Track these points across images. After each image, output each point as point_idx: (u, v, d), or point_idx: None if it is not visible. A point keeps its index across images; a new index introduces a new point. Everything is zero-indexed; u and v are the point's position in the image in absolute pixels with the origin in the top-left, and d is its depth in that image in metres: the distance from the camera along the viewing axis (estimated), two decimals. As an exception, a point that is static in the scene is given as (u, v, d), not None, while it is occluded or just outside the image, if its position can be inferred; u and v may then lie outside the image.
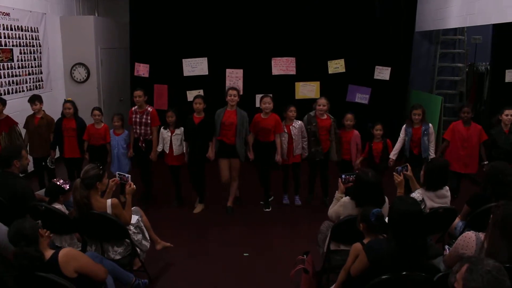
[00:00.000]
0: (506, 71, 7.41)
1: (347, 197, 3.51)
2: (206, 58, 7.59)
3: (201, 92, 7.30)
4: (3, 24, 6.27)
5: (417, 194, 3.60)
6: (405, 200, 2.74)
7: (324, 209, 4.20)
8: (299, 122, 5.55)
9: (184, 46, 7.57)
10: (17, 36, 6.63)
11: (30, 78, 6.98)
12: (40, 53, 7.25)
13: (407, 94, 8.00)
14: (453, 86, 8.89)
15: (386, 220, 2.88)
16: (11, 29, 6.48)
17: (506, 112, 5.31)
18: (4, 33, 6.30)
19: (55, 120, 5.72)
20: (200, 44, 7.57)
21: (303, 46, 7.56)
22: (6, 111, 5.57)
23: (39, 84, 7.24)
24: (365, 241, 2.86)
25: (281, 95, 7.39)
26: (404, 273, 2.54)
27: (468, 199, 3.70)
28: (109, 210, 3.50)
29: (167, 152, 5.58)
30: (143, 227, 3.94)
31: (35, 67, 7.14)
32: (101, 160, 5.19)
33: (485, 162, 5.51)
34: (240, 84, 7.52)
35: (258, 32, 7.48)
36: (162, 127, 5.57)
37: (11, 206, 3.63)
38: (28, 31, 6.90)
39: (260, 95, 5.68)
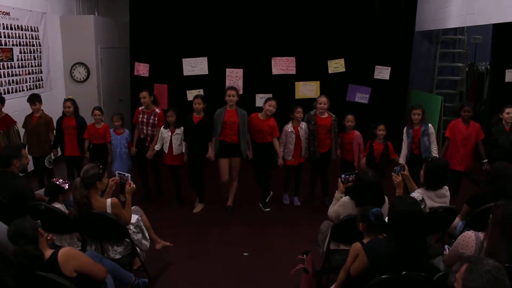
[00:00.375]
0: (506, 70, 7.42)
1: (347, 196, 3.51)
2: (206, 57, 7.59)
3: (201, 91, 7.29)
4: (3, 24, 6.27)
5: (417, 194, 3.59)
6: (405, 200, 2.74)
7: (324, 209, 4.20)
8: (304, 123, 5.53)
9: (184, 45, 7.57)
10: (17, 35, 6.63)
11: (30, 78, 6.98)
12: (40, 52, 7.25)
13: (407, 94, 8.00)
14: (453, 86, 8.89)
15: (386, 219, 2.88)
16: (11, 29, 6.47)
17: (508, 110, 5.31)
18: (4, 32, 6.30)
19: (56, 119, 5.73)
20: (200, 44, 7.57)
21: (303, 46, 7.56)
22: (6, 111, 5.57)
23: (39, 84, 7.24)
24: (365, 240, 2.86)
25: (281, 94, 7.38)
26: (404, 273, 2.54)
27: (468, 199, 3.70)
28: (109, 210, 3.49)
29: (167, 151, 5.58)
30: (143, 227, 3.94)
31: (35, 66, 7.14)
32: (101, 159, 5.20)
33: (485, 161, 5.53)
34: (240, 84, 7.52)
35: (258, 31, 7.48)
36: (163, 127, 5.58)
37: (11, 205, 3.62)
38: (28, 30, 6.89)
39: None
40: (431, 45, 8.86)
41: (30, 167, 5.77)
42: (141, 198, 5.78)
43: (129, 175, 3.97)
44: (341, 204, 3.51)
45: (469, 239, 2.64)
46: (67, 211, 3.78)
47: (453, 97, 8.85)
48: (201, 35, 7.54)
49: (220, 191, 5.91)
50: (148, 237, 3.97)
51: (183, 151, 5.52)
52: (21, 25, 6.70)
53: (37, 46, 7.15)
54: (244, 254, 4.53)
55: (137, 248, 3.74)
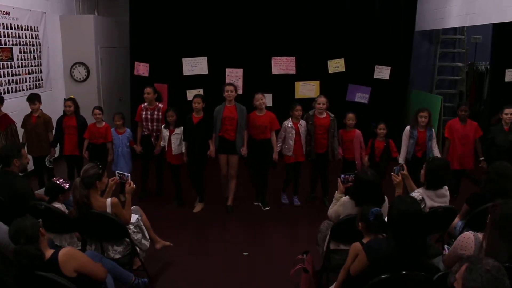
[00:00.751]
0: (506, 70, 7.42)
1: (347, 196, 3.51)
2: (206, 57, 7.58)
3: (200, 91, 7.29)
4: (3, 23, 6.27)
5: (417, 194, 3.59)
6: (405, 200, 2.74)
7: (324, 208, 4.20)
8: (303, 121, 5.58)
9: (184, 45, 7.57)
10: (17, 35, 6.63)
11: (29, 77, 6.98)
12: (40, 52, 7.25)
13: (407, 94, 8.00)
14: (453, 85, 8.89)
15: (385, 219, 2.88)
16: (11, 28, 6.47)
17: (506, 111, 5.33)
18: (4, 32, 6.30)
19: (57, 118, 5.74)
20: (200, 43, 7.57)
21: (303, 46, 7.56)
22: (6, 111, 5.57)
23: (39, 83, 7.24)
24: (364, 240, 2.86)
25: (281, 94, 7.41)
26: (403, 272, 2.54)
27: (468, 198, 3.70)
28: (108, 209, 3.49)
29: (166, 150, 5.60)
30: (143, 226, 3.95)
31: (35, 66, 7.14)
32: (101, 159, 5.19)
33: (481, 158, 5.57)
34: (240, 84, 7.52)
35: (258, 31, 7.48)
36: (163, 126, 5.59)
37: (11, 205, 3.62)
38: (28, 30, 6.89)
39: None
40: (431, 45, 8.85)
41: (30, 166, 5.77)
42: (138, 197, 5.74)
43: (129, 174, 3.98)
44: (341, 204, 3.51)
45: (468, 240, 2.63)
46: (67, 211, 3.78)
47: (453, 97, 8.84)
48: (201, 34, 7.54)
49: (220, 191, 5.91)
50: (148, 237, 3.98)
51: (183, 150, 5.53)
52: (21, 25, 6.70)
53: (37, 45, 7.15)
54: (244, 253, 4.53)
55: (137, 248, 3.74)
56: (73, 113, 5.63)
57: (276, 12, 7.49)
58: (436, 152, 5.43)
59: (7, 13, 6.36)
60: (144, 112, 5.75)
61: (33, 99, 5.57)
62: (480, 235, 2.63)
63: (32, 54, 7.03)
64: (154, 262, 4.20)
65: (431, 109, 6.37)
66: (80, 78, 7.97)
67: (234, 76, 7.61)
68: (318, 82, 7.62)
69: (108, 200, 3.52)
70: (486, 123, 6.82)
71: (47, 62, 7.45)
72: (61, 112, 5.88)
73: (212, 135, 5.42)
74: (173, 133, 5.50)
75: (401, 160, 5.43)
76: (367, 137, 5.65)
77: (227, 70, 7.60)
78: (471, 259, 1.99)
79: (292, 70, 7.65)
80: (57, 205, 3.73)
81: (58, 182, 3.82)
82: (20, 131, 5.73)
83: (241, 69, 7.59)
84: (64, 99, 5.84)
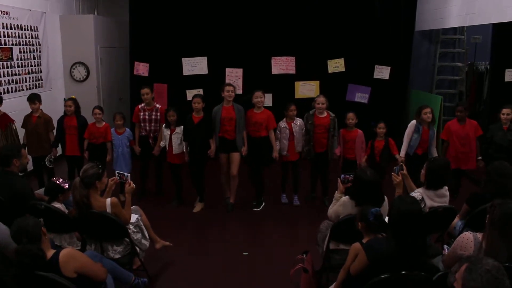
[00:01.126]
0: (506, 70, 7.41)
1: (347, 196, 3.51)
2: (205, 57, 7.58)
3: (200, 91, 7.29)
4: (2, 23, 6.27)
5: (416, 194, 3.59)
6: (405, 200, 2.74)
7: (324, 208, 4.20)
8: (300, 120, 5.62)
9: (184, 45, 7.57)
10: (17, 35, 6.62)
11: (29, 77, 6.97)
12: (40, 52, 7.24)
13: (406, 94, 8.00)
14: (453, 85, 8.89)
15: (385, 219, 2.88)
16: (11, 28, 6.47)
17: (504, 111, 5.37)
18: (3, 32, 6.30)
19: (58, 118, 5.74)
20: (199, 43, 7.56)
21: (303, 46, 7.56)
22: (6, 111, 5.57)
23: (39, 83, 7.24)
24: (364, 240, 2.85)
25: (280, 94, 7.40)
26: (403, 272, 2.54)
27: (468, 198, 3.70)
28: (108, 209, 3.49)
29: (167, 150, 5.60)
30: (143, 226, 3.95)
31: (35, 66, 7.14)
32: (101, 159, 5.19)
33: (479, 158, 5.58)
34: (239, 83, 7.52)
35: (258, 31, 7.48)
36: (164, 126, 5.59)
37: (11, 205, 3.62)
38: (28, 30, 6.89)
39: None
40: (431, 44, 8.85)
41: (30, 167, 5.77)
42: (137, 197, 5.74)
43: (129, 174, 3.98)
44: (340, 204, 3.51)
45: (467, 240, 2.63)
46: (66, 211, 3.78)
47: (453, 97, 8.84)
48: (200, 34, 7.54)
49: (220, 190, 5.90)
50: (147, 237, 3.97)
51: (184, 150, 5.53)
52: (20, 25, 6.70)
53: (36, 45, 7.15)
54: (244, 253, 4.53)
55: (137, 248, 3.74)
56: (74, 113, 5.62)
57: (276, 12, 7.49)
58: (434, 153, 5.44)
59: (7, 13, 6.36)
60: (142, 113, 5.72)
61: (34, 99, 5.57)
62: (479, 235, 2.63)
63: (32, 54, 7.03)
64: (154, 262, 4.20)
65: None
66: (80, 78, 7.97)
67: (234, 76, 7.61)
68: (318, 82, 7.62)
69: (108, 200, 3.52)
70: (486, 123, 6.81)
71: (47, 62, 7.45)
72: (61, 112, 5.87)
73: (213, 135, 5.43)
74: (174, 133, 5.50)
75: (402, 153, 5.45)
76: (367, 136, 5.65)
77: (227, 70, 7.60)
78: (471, 259, 1.99)
79: (292, 70, 7.65)
80: (57, 205, 3.73)
81: (57, 182, 3.82)
82: (21, 131, 5.72)
83: (241, 69, 7.59)
84: (64, 99, 5.83)
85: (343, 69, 7.63)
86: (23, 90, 6.75)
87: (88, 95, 7.83)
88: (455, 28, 8.41)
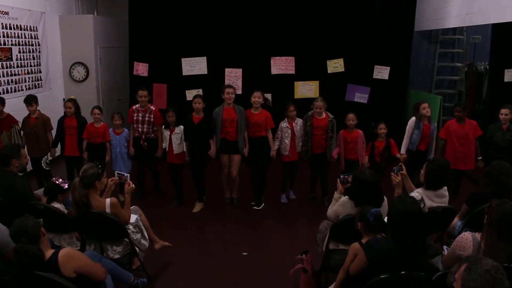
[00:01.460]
0: (505, 70, 7.42)
1: (346, 196, 3.51)
2: (205, 57, 7.58)
3: (200, 91, 7.29)
4: (2, 23, 6.26)
5: (416, 194, 3.60)
6: (405, 200, 2.74)
7: (323, 208, 4.20)
8: (300, 120, 5.68)
9: (183, 45, 7.57)
10: (16, 35, 6.62)
11: (29, 77, 6.97)
12: (39, 52, 7.24)
13: (406, 94, 8.01)
14: (452, 85, 8.90)
15: (385, 219, 2.88)
16: (10, 28, 6.47)
17: (502, 111, 5.40)
18: (3, 32, 6.29)
19: (58, 119, 5.73)
20: (199, 43, 7.56)
21: (302, 46, 7.56)
22: (5, 111, 5.56)
23: (38, 83, 7.23)
24: (363, 240, 2.86)
25: (280, 94, 7.40)
26: (403, 272, 2.54)
27: (467, 198, 3.70)
28: (108, 209, 3.49)
29: (167, 150, 5.61)
30: (142, 226, 3.95)
31: (34, 66, 7.13)
32: (100, 159, 5.19)
33: (479, 158, 5.57)
34: (239, 84, 7.52)
35: (257, 31, 7.48)
36: (163, 126, 5.59)
37: (10, 205, 3.62)
38: (27, 30, 6.89)
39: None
40: (430, 45, 8.86)
41: (29, 167, 5.77)
42: (136, 197, 5.71)
43: (128, 175, 3.98)
44: (340, 204, 3.51)
45: (466, 241, 2.64)
46: (66, 211, 3.78)
47: (452, 97, 8.84)
48: (200, 34, 7.54)
49: (220, 190, 5.91)
50: (147, 237, 3.98)
51: (184, 150, 5.53)
52: (20, 25, 6.69)
53: (36, 45, 7.14)
54: (243, 253, 4.53)
55: (136, 248, 3.74)
56: (73, 114, 5.62)
57: (276, 12, 7.49)
58: (431, 151, 5.47)
59: (6, 13, 6.35)
60: (135, 114, 5.67)
61: (30, 100, 5.56)
62: (478, 235, 2.63)
63: (31, 54, 7.02)
64: (154, 262, 4.20)
65: (431, 109, 6.38)
66: (79, 78, 7.97)
67: (234, 76, 7.61)
68: (317, 82, 7.62)
69: (108, 200, 3.52)
70: (485, 123, 6.81)
71: (46, 62, 7.44)
72: (60, 112, 5.87)
73: (213, 135, 5.42)
74: (173, 133, 5.50)
75: (402, 151, 5.46)
76: (367, 137, 5.66)
77: (227, 70, 7.60)
78: (470, 259, 1.99)
79: (291, 70, 7.65)
80: (56, 205, 3.73)
81: (57, 182, 3.81)
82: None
83: (241, 69, 7.59)
84: (64, 99, 5.83)
85: (343, 69, 7.64)
86: (22, 90, 6.75)
87: (88, 95, 7.83)
88: (454, 28, 8.42)
